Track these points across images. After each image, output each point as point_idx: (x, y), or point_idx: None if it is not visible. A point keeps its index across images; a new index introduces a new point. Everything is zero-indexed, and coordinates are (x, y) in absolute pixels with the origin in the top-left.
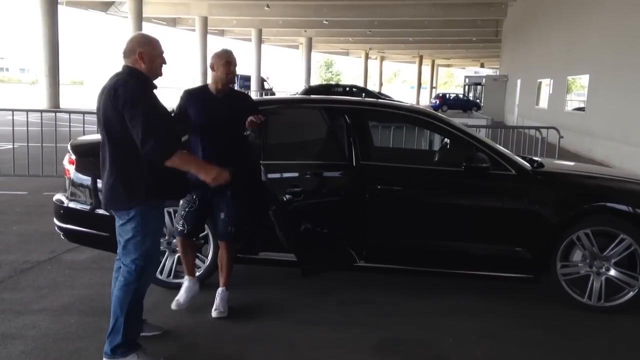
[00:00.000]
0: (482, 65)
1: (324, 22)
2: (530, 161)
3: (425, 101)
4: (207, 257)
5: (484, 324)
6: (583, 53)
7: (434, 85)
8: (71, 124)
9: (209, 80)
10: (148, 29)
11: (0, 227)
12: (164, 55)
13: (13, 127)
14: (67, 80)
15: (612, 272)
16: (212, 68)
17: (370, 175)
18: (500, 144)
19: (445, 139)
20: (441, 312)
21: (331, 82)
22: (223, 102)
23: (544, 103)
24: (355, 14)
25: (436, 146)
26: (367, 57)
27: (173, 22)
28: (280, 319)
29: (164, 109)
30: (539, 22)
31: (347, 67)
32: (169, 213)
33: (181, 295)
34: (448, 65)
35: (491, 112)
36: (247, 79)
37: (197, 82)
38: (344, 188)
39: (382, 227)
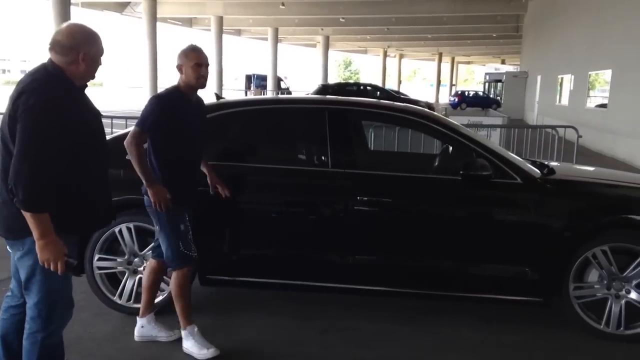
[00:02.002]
0: (503, 62)
1: (341, 19)
2: (541, 166)
3: (444, 99)
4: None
5: (484, 358)
6: (605, 48)
7: (453, 82)
8: None
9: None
10: (164, 30)
11: None
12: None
13: None
14: None
15: (634, 295)
16: (180, 70)
17: (350, 184)
18: (514, 145)
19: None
20: (435, 342)
21: (349, 81)
22: (197, 108)
23: (564, 100)
24: (371, 11)
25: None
26: (385, 55)
27: (189, 22)
28: (254, 353)
29: (85, 127)
30: (559, 16)
31: (366, 65)
32: (129, 229)
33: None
34: (468, 62)
35: (511, 109)
36: (263, 78)
37: (212, 83)
38: (318, 197)
39: (363, 244)
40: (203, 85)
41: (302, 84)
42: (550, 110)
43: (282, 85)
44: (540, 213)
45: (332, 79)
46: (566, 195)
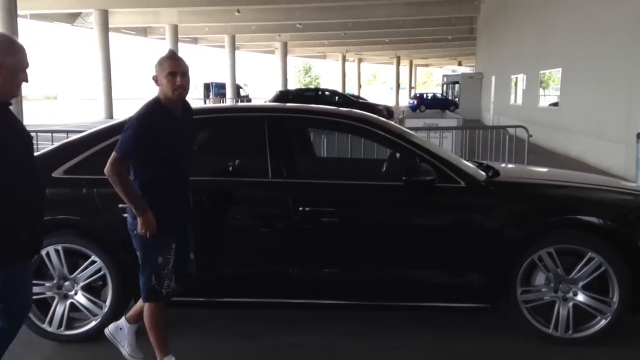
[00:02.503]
0: (460, 64)
1: (297, 25)
2: (487, 168)
3: (404, 102)
4: (105, 301)
5: None
6: (554, 46)
7: (412, 85)
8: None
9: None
10: (118, 40)
11: None
12: (27, 70)
13: None
14: (40, 95)
15: (581, 297)
16: (156, 81)
17: (292, 194)
18: (467, 146)
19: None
20: (385, 354)
21: (309, 87)
22: (183, 120)
23: (518, 99)
24: (327, 16)
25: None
26: (344, 60)
27: (144, 31)
28: None
29: (4, 147)
30: (510, 16)
31: (326, 70)
32: (57, 251)
33: None
34: (426, 65)
35: (468, 110)
36: (222, 86)
37: None
38: (258, 210)
39: (307, 257)
40: (182, 96)
41: (263, 91)
42: (505, 110)
43: (242, 93)
44: (485, 217)
45: (292, 85)
46: (510, 198)
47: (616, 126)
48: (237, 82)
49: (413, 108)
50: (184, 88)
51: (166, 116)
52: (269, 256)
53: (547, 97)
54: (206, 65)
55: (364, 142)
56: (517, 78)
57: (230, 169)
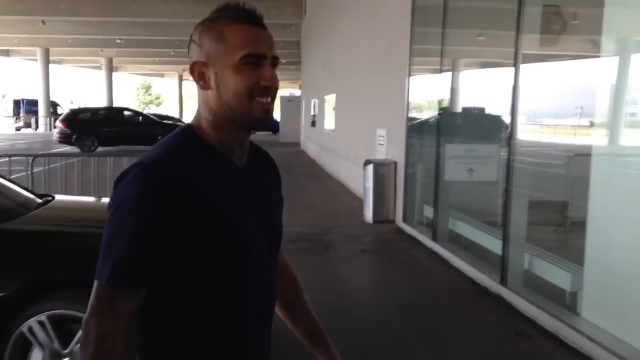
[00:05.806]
0: (300, 87)
1: (118, 41)
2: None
3: None
4: None
5: None
6: (332, 73)
7: None
8: None
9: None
10: None
11: None
12: None
13: None
14: None
15: None
16: (200, 78)
17: None
18: None
19: None
20: None
21: (107, 106)
22: (256, 179)
23: (315, 123)
24: (148, 32)
25: None
26: (181, 79)
27: None
28: None
29: None
30: (311, 42)
31: (167, 89)
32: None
33: None
34: None
35: (287, 134)
36: (34, 103)
37: None
38: None
39: None
40: (268, 118)
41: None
42: (310, 133)
43: (59, 111)
44: None
45: (131, 104)
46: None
47: (365, 154)
48: (53, 98)
49: None
50: (273, 97)
51: (213, 168)
52: None
53: (330, 122)
54: (21, 80)
55: None
56: (313, 102)
57: None
